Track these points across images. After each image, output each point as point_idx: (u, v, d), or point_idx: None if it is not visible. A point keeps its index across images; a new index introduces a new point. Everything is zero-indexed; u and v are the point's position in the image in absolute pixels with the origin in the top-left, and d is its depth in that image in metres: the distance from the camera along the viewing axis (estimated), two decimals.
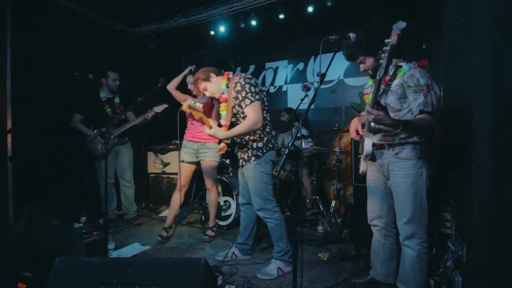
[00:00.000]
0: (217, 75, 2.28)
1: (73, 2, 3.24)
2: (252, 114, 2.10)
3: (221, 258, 2.46)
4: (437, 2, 2.30)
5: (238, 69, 4.69)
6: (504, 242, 1.34)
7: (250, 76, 2.21)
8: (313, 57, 4.22)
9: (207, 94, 2.31)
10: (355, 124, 1.94)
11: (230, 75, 2.27)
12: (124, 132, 3.29)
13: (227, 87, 2.23)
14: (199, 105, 2.06)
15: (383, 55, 1.39)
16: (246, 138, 2.23)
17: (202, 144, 2.84)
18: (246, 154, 2.25)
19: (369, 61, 1.74)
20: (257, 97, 2.12)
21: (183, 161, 2.91)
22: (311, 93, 2.31)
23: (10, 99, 2.70)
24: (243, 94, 2.11)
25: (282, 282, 2.14)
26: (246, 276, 2.20)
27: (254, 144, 2.21)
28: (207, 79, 2.25)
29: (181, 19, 3.67)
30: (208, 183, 2.93)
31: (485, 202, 1.38)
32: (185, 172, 2.92)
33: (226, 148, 2.40)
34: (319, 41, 1.56)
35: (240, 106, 2.16)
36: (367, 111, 1.52)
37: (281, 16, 3.40)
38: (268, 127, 2.26)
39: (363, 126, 1.93)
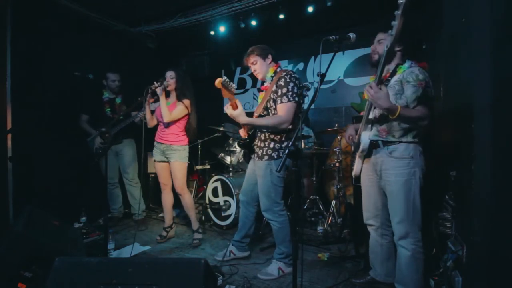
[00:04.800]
0: (272, 60, 2.24)
1: (73, 2, 3.23)
2: (284, 113, 2.04)
3: (220, 257, 2.47)
4: (437, 2, 2.30)
5: (238, 69, 4.69)
6: (504, 242, 1.34)
7: (297, 76, 2.15)
8: (313, 57, 4.22)
9: (253, 68, 2.25)
10: (350, 130, 1.99)
11: (279, 69, 2.24)
12: (125, 132, 3.27)
13: (272, 78, 2.19)
14: (233, 86, 1.95)
15: (393, 22, 1.32)
16: (267, 134, 2.18)
17: (167, 146, 2.79)
18: (261, 150, 2.21)
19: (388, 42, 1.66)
20: (296, 99, 2.07)
21: (155, 161, 2.93)
22: (311, 93, 2.33)
23: (10, 99, 2.70)
24: (284, 90, 2.05)
25: (282, 282, 2.14)
26: (246, 276, 2.20)
27: (272, 144, 2.16)
28: (263, 56, 2.21)
29: (181, 19, 3.67)
30: (177, 186, 2.81)
31: (485, 202, 1.38)
32: (161, 171, 2.91)
33: (246, 137, 2.33)
34: (319, 41, 1.56)
35: (275, 101, 2.10)
36: (369, 85, 1.53)
37: (281, 16, 3.40)
38: (292, 133, 2.16)
39: (356, 132, 1.94)
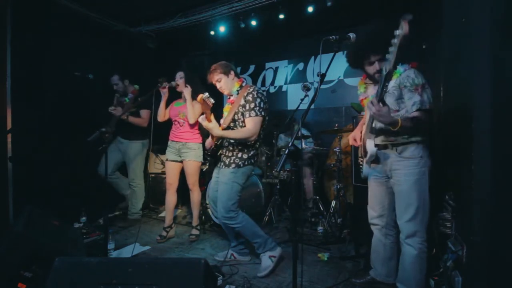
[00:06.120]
0: (235, 75, 2.34)
1: (73, 2, 3.24)
2: (252, 126, 2.16)
3: (221, 258, 2.47)
4: (437, 2, 2.30)
5: (238, 69, 4.69)
6: (504, 242, 1.34)
7: (263, 92, 2.28)
8: (313, 57, 4.22)
9: (218, 85, 2.32)
10: (354, 133, 2.00)
11: (244, 83, 2.34)
12: (135, 132, 3.29)
13: (238, 92, 2.29)
14: (211, 101, 2.13)
15: (391, 48, 1.37)
16: (235, 144, 2.27)
17: (183, 144, 2.87)
18: (229, 159, 2.28)
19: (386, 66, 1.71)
20: (263, 113, 2.19)
21: (167, 160, 2.98)
22: (311, 93, 2.33)
23: (10, 99, 2.70)
24: (252, 105, 2.16)
25: (282, 282, 2.14)
26: (246, 276, 2.20)
27: (240, 154, 2.26)
28: (226, 73, 2.29)
29: (181, 19, 3.67)
30: (190, 183, 2.94)
31: (485, 202, 1.38)
32: (171, 171, 2.97)
33: (213, 146, 2.39)
34: (319, 41, 1.56)
35: (243, 114, 2.20)
36: (370, 102, 1.53)
37: (281, 16, 3.40)
38: (258, 143, 2.31)
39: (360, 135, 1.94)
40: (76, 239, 2.23)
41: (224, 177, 2.25)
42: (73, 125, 3.22)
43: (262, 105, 2.19)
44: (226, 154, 2.32)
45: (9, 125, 2.67)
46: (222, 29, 3.76)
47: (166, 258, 2.42)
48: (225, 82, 2.29)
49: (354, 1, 3.17)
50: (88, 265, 1.31)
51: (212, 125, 2.14)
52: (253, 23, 3.59)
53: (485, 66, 1.38)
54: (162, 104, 2.91)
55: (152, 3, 3.44)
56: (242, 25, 3.60)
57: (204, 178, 3.72)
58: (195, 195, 2.99)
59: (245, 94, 2.21)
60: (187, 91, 2.73)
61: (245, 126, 2.21)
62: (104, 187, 2.86)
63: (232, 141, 2.28)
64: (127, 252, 2.63)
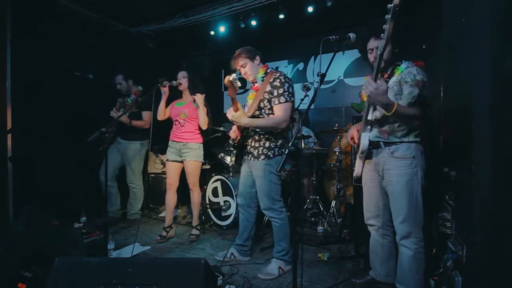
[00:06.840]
0: (261, 61, 2.26)
1: (73, 2, 3.24)
2: (282, 112, 2.08)
3: (221, 258, 2.46)
4: (437, 2, 2.30)
5: None
6: (504, 242, 1.34)
7: (289, 78, 2.21)
8: (313, 57, 4.22)
9: (243, 71, 2.25)
10: (352, 131, 2.00)
11: (269, 70, 2.27)
12: (134, 132, 3.29)
13: (263, 79, 2.22)
14: (238, 84, 2.02)
15: (384, 26, 1.37)
16: (261, 134, 2.20)
17: (184, 144, 2.87)
18: (257, 150, 2.21)
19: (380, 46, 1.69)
20: (292, 98, 2.13)
21: (167, 160, 2.98)
22: (311, 93, 2.33)
23: (10, 99, 2.70)
24: (280, 91, 2.09)
25: (282, 282, 2.14)
26: (246, 276, 2.20)
27: (267, 143, 2.18)
28: (251, 58, 2.22)
29: (181, 19, 3.67)
30: (190, 183, 2.94)
31: (485, 202, 1.38)
32: (171, 171, 2.97)
33: (238, 138, 2.33)
34: (319, 41, 1.56)
35: (270, 101, 2.13)
36: (367, 82, 1.53)
37: (281, 16, 3.40)
38: (286, 132, 2.24)
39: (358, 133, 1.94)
40: (76, 239, 2.22)
41: (259, 171, 2.19)
42: (73, 125, 3.22)
43: (291, 90, 2.11)
44: (253, 145, 2.24)
45: (9, 125, 2.67)
46: (222, 29, 3.76)
47: (166, 258, 2.42)
48: (250, 68, 2.22)
49: (354, 1, 3.16)
50: (88, 265, 1.31)
51: (239, 114, 2.06)
52: (253, 23, 3.59)
53: (485, 66, 1.38)
54: (162, 103, 2.91)
55: (152, 3, 3.44)
56: (242, 25, 3.60)
57: (204, 178, 3.73)
58: (195, 195, 2.99)
59: (271, 80, 2.13)
60: (198, 98, 2.72)
61: (272, 113, 2.13)
62: (104, 188, 2.87)
63: (258, 130, 2.20)
64: (127, 252, 2.63)
